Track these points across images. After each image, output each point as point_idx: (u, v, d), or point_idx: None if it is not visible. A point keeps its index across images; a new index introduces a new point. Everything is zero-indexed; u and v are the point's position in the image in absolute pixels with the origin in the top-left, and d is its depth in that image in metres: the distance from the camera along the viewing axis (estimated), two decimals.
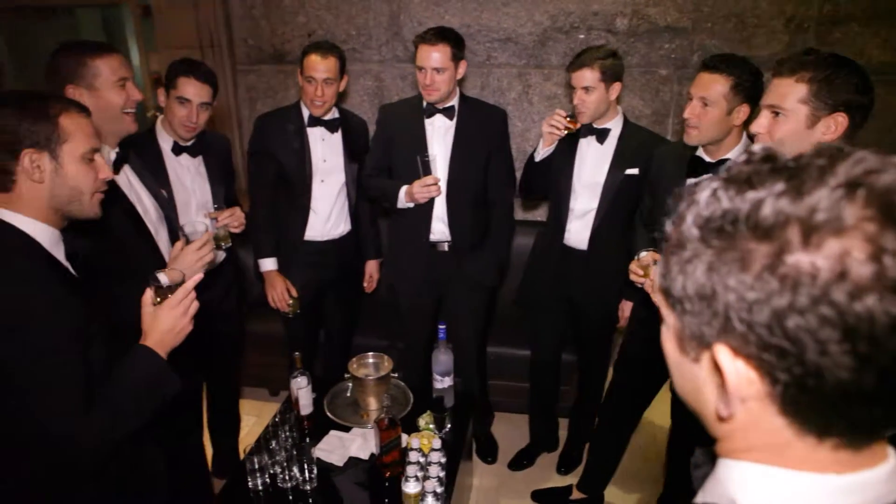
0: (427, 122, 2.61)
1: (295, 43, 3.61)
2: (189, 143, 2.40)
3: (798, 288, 0.48)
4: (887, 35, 3.05)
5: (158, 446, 1.62)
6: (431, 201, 2.61)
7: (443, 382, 2.49)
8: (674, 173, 2.19)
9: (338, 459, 2.22)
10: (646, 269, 2.10)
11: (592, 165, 2.53)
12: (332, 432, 2.35)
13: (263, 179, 2.72)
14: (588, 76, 2.35)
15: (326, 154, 2.72)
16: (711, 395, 0.60)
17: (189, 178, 2.42)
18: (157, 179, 2.17)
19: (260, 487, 2.07)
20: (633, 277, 2.13)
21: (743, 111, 1.97)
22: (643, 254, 2.17)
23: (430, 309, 2.91)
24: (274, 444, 2.12)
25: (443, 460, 2.10)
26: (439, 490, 1.99)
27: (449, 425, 2.40)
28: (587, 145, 2.54)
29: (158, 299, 1.44)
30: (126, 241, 1.85)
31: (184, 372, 1.44)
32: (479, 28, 3.43)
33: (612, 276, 2.55)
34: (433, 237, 2.71)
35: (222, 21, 3.69)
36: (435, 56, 2.43)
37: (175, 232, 2.11)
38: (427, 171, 2.50)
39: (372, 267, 3.08)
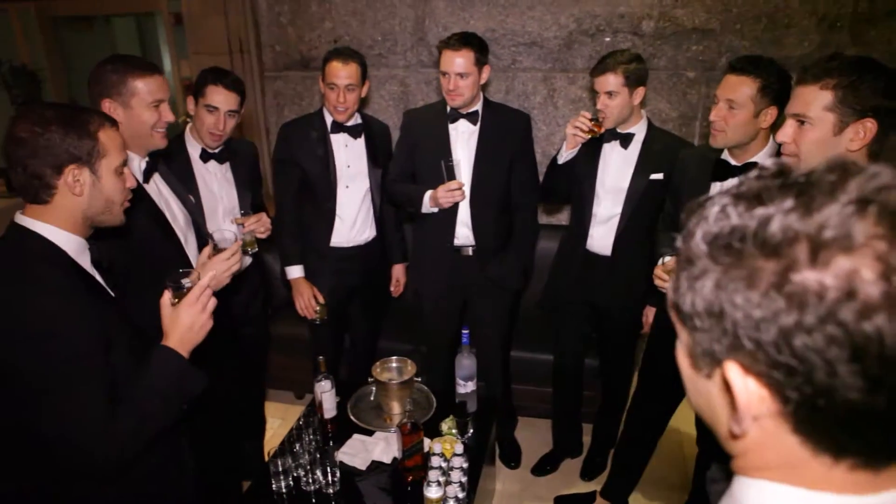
0: (451, 126, 2.61)
1: (321, 49, 3.65)
2: (217, 150, 2.45)
3: (805, 307, 0.48)
4: None
5: (186, 448, 1.65)
6: (455, 206, 2.62)
7: (466, 387, 2.48)
8: (698, 177, 2.16)
9: (360, 463, 2.24)
10: (671, 273, 2.07)
11: (616, 170, 2.51)
12: (356, 436, 2.37)
13: (289, 187, 2.75)
14: (611, 81, 2.33)
15: (350, 160, 2.74)
16: (724, 411, 0.59)
17: (216, 184, 2.47)
18: (185, 186, 2.22)
19: (284, 490, 2.10)
20: (657, 283, 2.10)
21: (770, 114, 1.93)
22: (667, 258, 2.14)
23: (454, 313, 2.91)
24: (298, 447, 2.14)
25: (465, 465, 2.10)
26: (461, 495, 1.99)
27: (472, 430, 2.40)
28: (611, 150, 2.52)
29: (176, 300, 1.46)
30: (154, 247, 1.89)
31: (209, 374, 1.46)
32: (504, 32, 3.43)
33: (635, 282, 2.53)
34: (457, 241, 2.72)
35: (251, 28, 3.76)
36: (458, 61, 2.43)
37: (203, 238, 2.15)
38: (451, 175, 2.50)
39: (399, 271, 3.10)
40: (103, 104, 1.79)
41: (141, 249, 1.82)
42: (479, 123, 2.60)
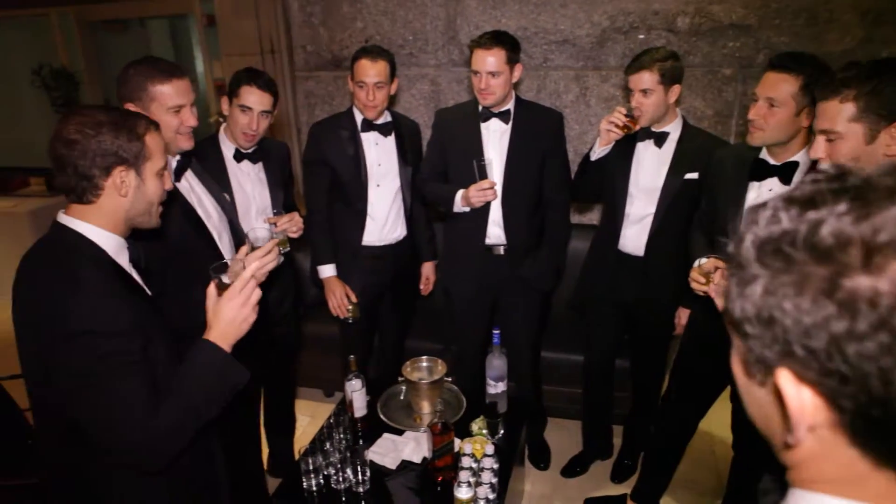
0: (483, 125, 2.60)
1: (353, 49, 3.65)
2: (250, 150, 2.47)
3: (857, 313, 0.46)
4: None
5: (218, 446, 1.67)
6: (487, 205, 2.60)
7: (496, 388, 2.47)
8: (735, 176, 2.11)
9: (391, 462, 2.24)
10: (707, 276, 2.02)
11: (650, 170, 2.47)
12: (386, 435, 2.38)
13: (320, 186, 2.76)
14: (647, 79, 2.29)
15: (381, 158, 2.74)
16: (779, 420, 0.58)
17: (250, 184, 2.49)
18: (219, 185, 2.24)
19: (314, 488, 2.11)
20: (693, 285, 2.05)
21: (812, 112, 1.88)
22: (703, 260, 2.09)
23: (485, 313, 2.89)
24: (328, 446, 2.16)
25: (495, 466, 2.08)
26: (491, 496, 1.98)
27: (502, 431, 2.39)
28: (644, 149, 2.48)
29: (221, 290, 1.46)
30: (187, 246, 1.91)
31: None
32: (536, 30, 3.40)
33: (668, 283, 2.48)
34: (489, 241, 2.70)
35: (283, 28, 3.79)
36: (490, 60, 2.42)
37: (237, 236, 2.17)
38: (483, 174, 2.49)
39: (428, 269, 3.09)
40: (127, 107, 1.80)
41: (174, 247, 1.84)
42: (510, 122, 2.58)
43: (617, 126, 2.32)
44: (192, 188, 2.05)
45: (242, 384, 1.44)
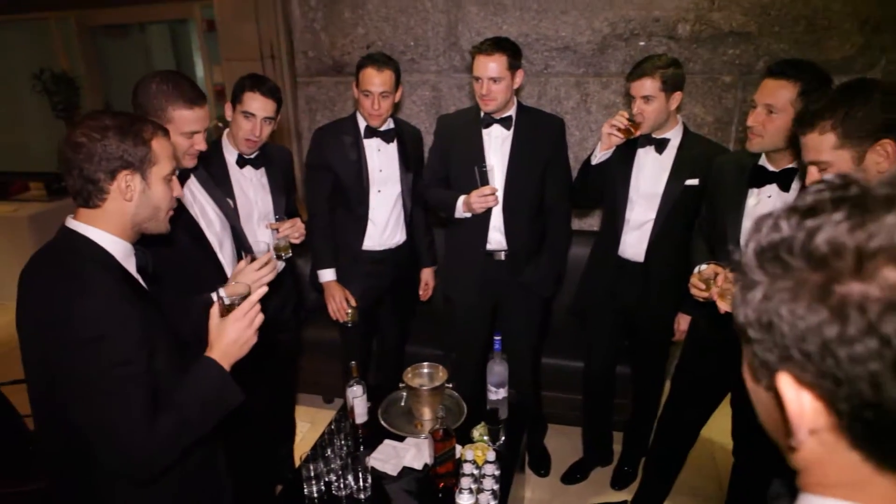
0: (484, 132, 2.61)
1: (354, 55, 3.68)
2: (252, 156, 2.47)
3: (847, 318, 0.47)
4: None
5: (220, 453, 1.67)
6: (488, 211, 2.61)
7: (497, 394, 2.47)
8: (735, 183, 2.12)
9: (392, 469, 2.24)
10: (707, 282, 2.03)
11: (650, 176, 2.47)
12: (387, 441, 2.37)
13: (321, 191, 2.76)
14: (648, 86, 2.30)
15: (383, 164, 2.75)
16: (783, 424, 0.59)
17: (252, 189, 2.49)
18: (222, 191, 2.24)
19: (315, 495, 2.10)
20: (693, 292, 2.06)
21: None
22: (703, 267, 2.10)
23: (486, 319, 2.90)
24: (329, 452, 2.15)
25: (497, 473, 2.08)
26: (493, 503, 1.98)
27: (503, 437, 2.38)
28: (645, 155, 2.48)
29: (226, 311, 1.46)
30: (186, 254, 1.91)
31: (246, 383, 1.47)
32: (537, 37, 3.41)
33: (668, 289, 2.49)
34: (490, 246, 2.71)
35: (283, 34, 3.80)
36: (491, 66, 2.43)
37: (240, 241, 2.17)
38: (484, 181, 2.49)
39: (427, 274, 3.10)
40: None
41: (174, 256, 1.84)
42: (512, 128, 2.59)
43: (619, 129, 2.32)
44: (195, 196, 2.05)
45: (236, 405, 1.44)
